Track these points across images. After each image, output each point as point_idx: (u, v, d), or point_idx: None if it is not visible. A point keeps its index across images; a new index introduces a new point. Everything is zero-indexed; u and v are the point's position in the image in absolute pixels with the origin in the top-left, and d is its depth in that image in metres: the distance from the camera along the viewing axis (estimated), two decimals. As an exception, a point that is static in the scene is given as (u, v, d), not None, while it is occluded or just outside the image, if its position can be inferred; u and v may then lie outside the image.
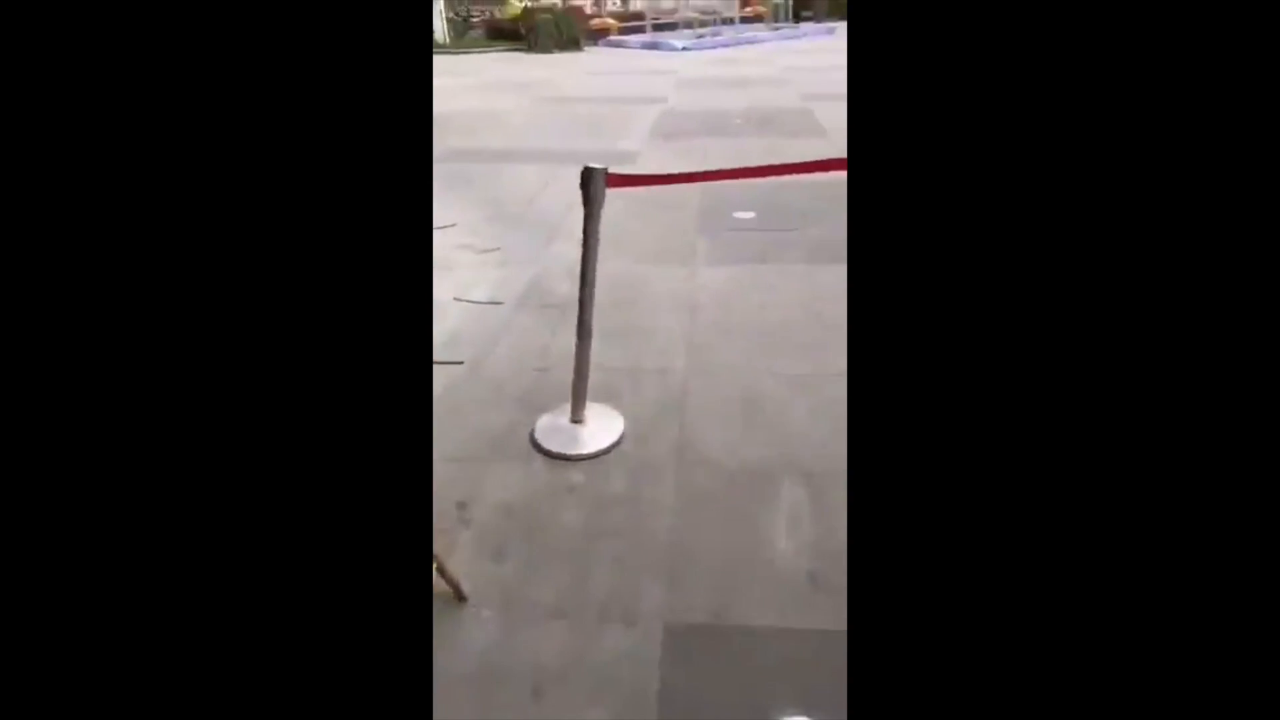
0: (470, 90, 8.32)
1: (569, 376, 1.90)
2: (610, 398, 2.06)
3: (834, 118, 6.07)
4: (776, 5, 15.48)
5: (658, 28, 14.29)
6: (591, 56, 11.99)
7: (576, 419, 1.91)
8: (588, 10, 15.12)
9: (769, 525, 1.57)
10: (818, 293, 2.72)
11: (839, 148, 5.06)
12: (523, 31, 13.02)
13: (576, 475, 1.76)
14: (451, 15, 15.01)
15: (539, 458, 1.83)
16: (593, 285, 1.79)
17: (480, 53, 12.88)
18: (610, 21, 14.62)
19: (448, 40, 14.08)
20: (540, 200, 4.02)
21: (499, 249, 3.27)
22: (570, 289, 2.81)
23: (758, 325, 2.48)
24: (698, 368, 2.23)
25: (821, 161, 1.70)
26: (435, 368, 2.25)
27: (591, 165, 1.62)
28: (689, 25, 14.23)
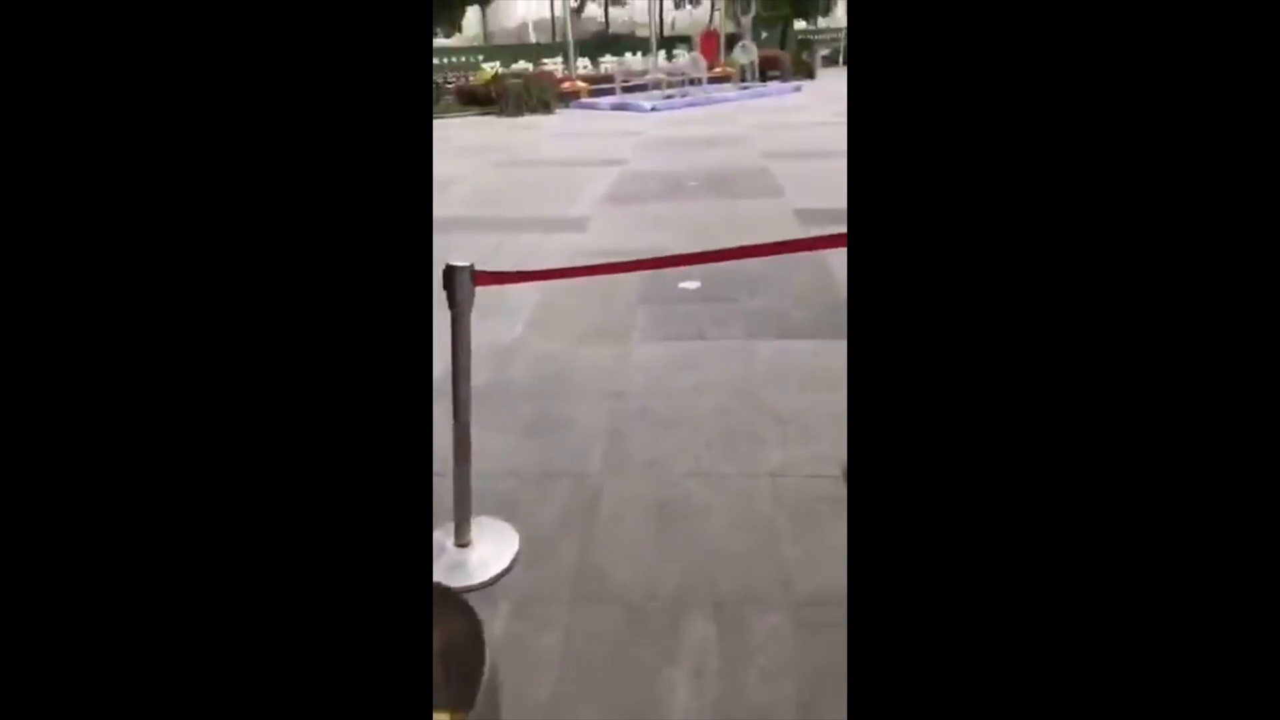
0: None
1: (473, 481, 1.66)
2: (511, 510, 1.82)
3: (791, 175, 6.02)
4: (743, 66, 15.82)
5: (627, 89, 14.52)
6: (560, 119, 12.12)
7: (461, 542, 1.66)
8: (558, 74, 15.40)
9: (669, 682, 1.32)
10: (755, 372, 2.52)
11: (794, 205, 4.98)
12: (494, 96, 13.19)
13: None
14: (424, 82, 15.22)
15: (415, 592, 1.57)
16: (467, 401, 1.57)
17: (451, 118, 13.01)
18: (580, 84, 14.87)
19: (419, 106, 14.22)
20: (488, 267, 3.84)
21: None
22: (489, 376, 2.60)
23: (688, 413, 2.27)
24: (615, 468, 2.00)
25: (724, 251, 1.52)
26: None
27: (454, 263, 1.42)
28: (658, 86, 14.48)
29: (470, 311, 1.47)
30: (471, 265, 1.43)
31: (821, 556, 1.61)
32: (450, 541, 1.66)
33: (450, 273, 1.42)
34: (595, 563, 1.64)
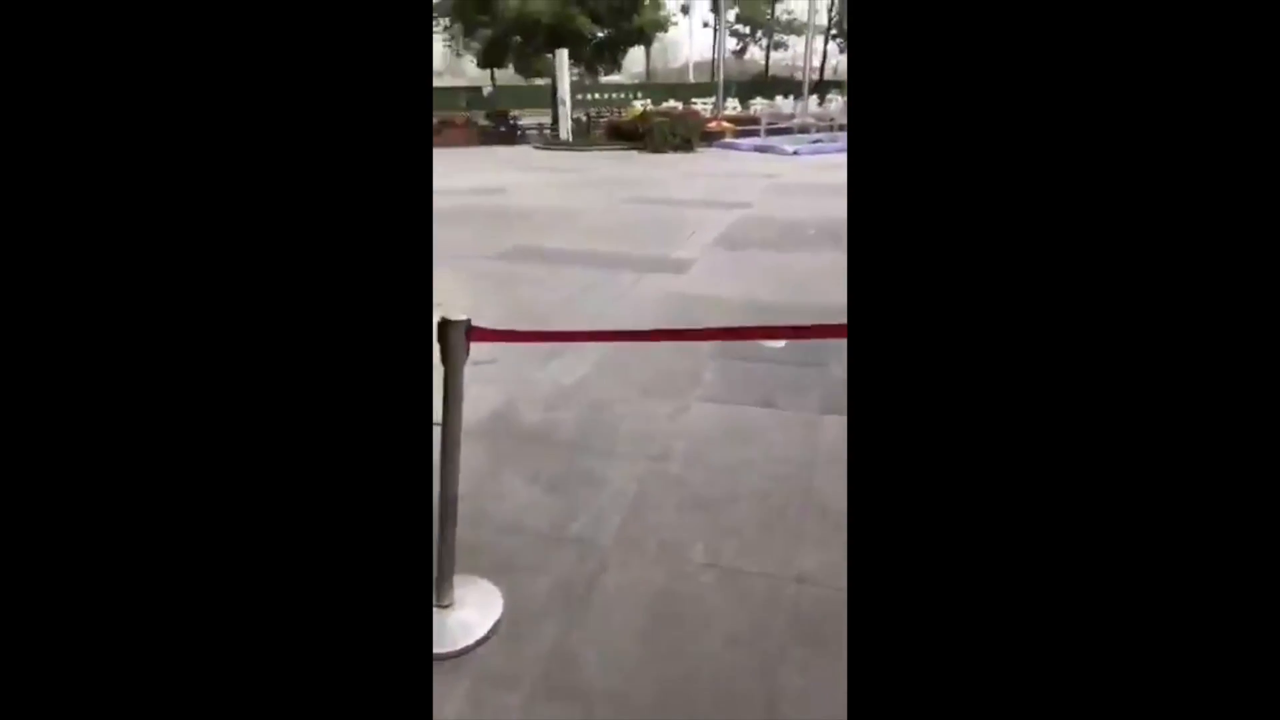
0: (561, 187, 8.60)
1: (478, 532, 1.58)
2: (507, 572, 1.72)
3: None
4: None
5: (772, 131, 14.40)
6: (700, 158, 12.21)
7: (443, 604, 1.58)
8: (705, 114, 15.59)
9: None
10: (815, 454, 2.27)
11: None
12: (640, 132, 13.57)
13: (408, 684, 1.42)
14: (578, 116, 16.04)
15: (384, 648, 1.51)
16: (456, 466, 1.49)
17: (596, 151, 13.52)
18: (726, 124, 14.95)
19: (570, 138, 14.97)
20: (566, 309, 3.85)
21: (494, 361, 3.08)
22: (538, 418, 2.55)
23: (725, 491, 2.07)
24: (628, 542, 1.85)
25: (796, 328, 1.35)
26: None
27: (450, 318, 1.36)
28: (805, 130, 14.23)
29: (463, 370, 1.41)
30: (468, 320, 1.37)
31: (825, 695, 1.36)
32: (431, 599, 1.59)
33: (444, 327, 1.36)
34: (572, 650, 1.50)
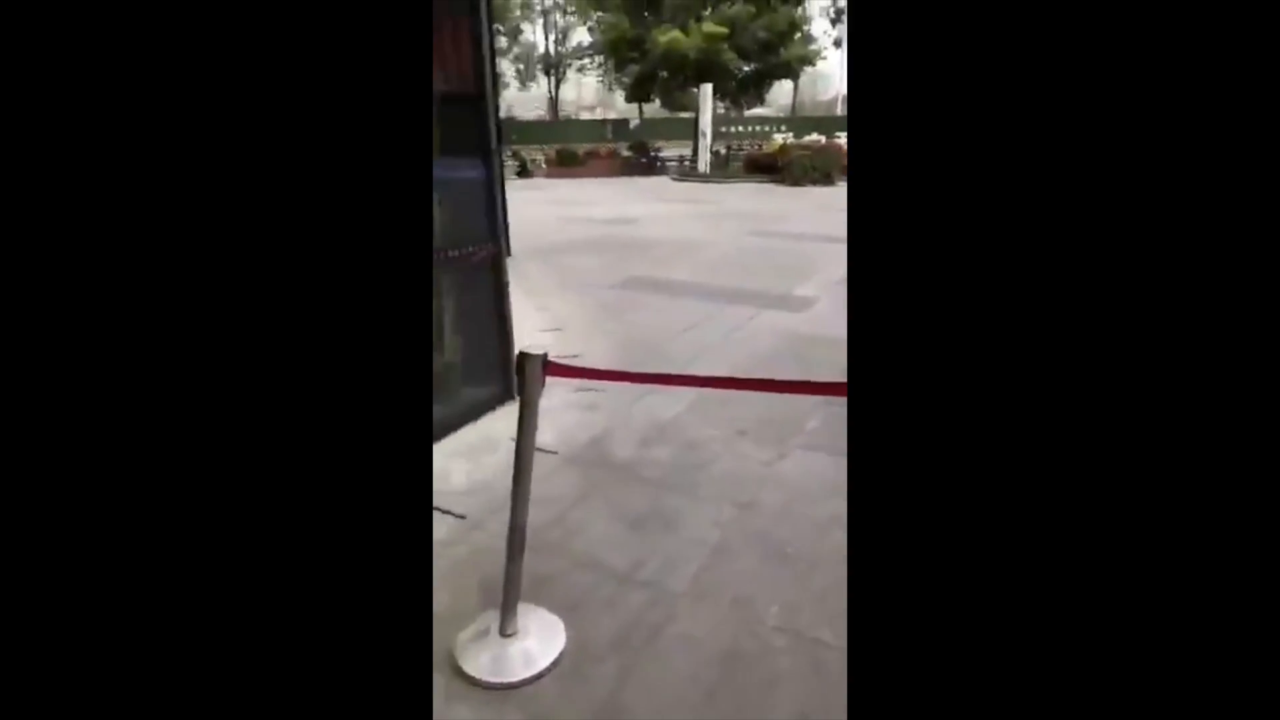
0: (691, 218, 8.67)
1: (553, 563, 1.60)
2: (575, 609, 1.71)
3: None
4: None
5: (920, 166, 13.74)
6: (837, 192, 11.87)
7: (507, 632, 1.59)
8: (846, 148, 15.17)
9: None
10: (920, 519, 2.08)
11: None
12: (778, 164, 13.47)
13: (463, 711, 1.44)
14: (717, 148, 16.20)
15: (448, 671, 1.54)
16: (526, 497, 1.50)
17: (734, 183, 13.55)
18: (870, 158, 14.45)
19: (708, 170, 15.12)
20: (677, 341, 3.84)
21: (598, 389, 3.13)
22: (631, 452, 2.54)
23: (811, 550, 1.95)
24: (701, 593, 1.78)
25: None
26: (437, 516, 2.12)
27: (527, 350, 1.39)
28: (956, 164, 13.45)
29: (538, 402, 1.42)
30: (545, 354, 1.39)
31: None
32: (495, 627, 1.61)
33: (522, 360, 1.39)
34: (626, 702, 1.45)
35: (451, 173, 2.68)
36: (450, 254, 2.64)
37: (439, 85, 2.60)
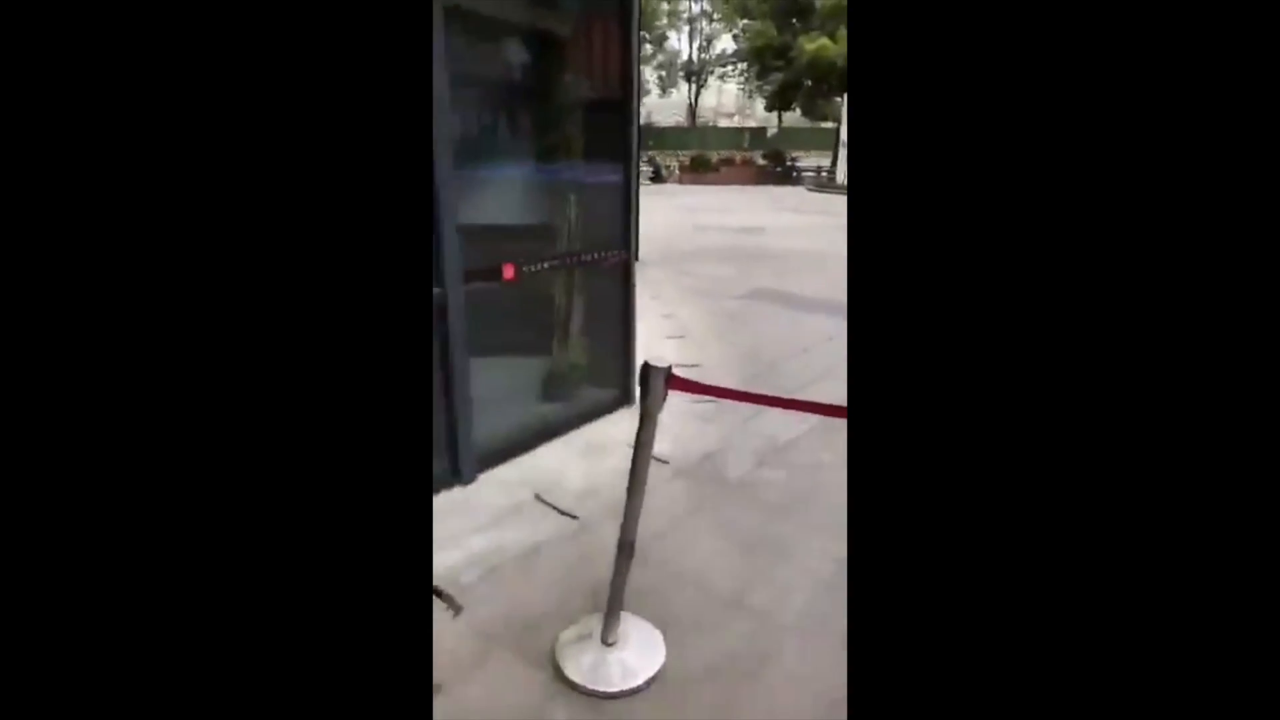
0: (822, 230, 8.38)
1: (659, 575, 1.59)
2: (678, 628, 1.67)
3: None
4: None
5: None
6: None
7: (608, 640, 1.59)
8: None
9: None
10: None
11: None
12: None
13: (559, 713, 1.45)
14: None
15: (550, 669, 1.56)
16: (637, 514, 1.48)
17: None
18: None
19: (845, 181, 14.60)
20: (798, 358, 3.71)
21: (717, 401, 3.08)
22: (746, 470, 2.47)
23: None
24: (811, 629, 1.69)
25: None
26: (550, 513, 2.16)
27: (652, 363, 1.37)
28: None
29: (658, 415, 1.40)
30: (669, 367, 1.36)
31: None
32: (597, 632, 1.61)
33: (646, 371, 1.37)
34: (723, 732, 1.40)
35: (591, 177, 2.74)
36: (584, 258, 2.69)
37: (585, 92, 2.66)
